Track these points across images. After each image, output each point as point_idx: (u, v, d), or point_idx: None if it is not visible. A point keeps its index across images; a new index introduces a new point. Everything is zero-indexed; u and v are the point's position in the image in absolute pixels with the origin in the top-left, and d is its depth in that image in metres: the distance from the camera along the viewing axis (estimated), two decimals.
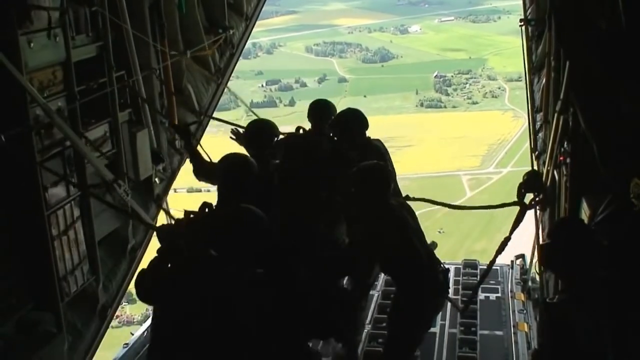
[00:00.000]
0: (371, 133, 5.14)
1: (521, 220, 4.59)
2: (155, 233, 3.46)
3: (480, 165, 50.41)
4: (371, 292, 6.16)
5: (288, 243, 3.68)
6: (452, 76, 67.38)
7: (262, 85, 66.49)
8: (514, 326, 5.56)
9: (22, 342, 3.69)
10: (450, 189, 43.98)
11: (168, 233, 3.45)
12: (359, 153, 4.77)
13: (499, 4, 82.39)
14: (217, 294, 3.14)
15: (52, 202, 3.84)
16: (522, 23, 6.14)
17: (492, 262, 4.70)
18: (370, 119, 5.18)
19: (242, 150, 4.71)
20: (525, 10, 6.32)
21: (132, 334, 5.71)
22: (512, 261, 6.71)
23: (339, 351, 4.95)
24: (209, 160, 4.72)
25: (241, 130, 4.95)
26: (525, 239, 5.51)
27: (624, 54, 3.49)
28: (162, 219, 5.85)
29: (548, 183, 5.14)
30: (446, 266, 4.39)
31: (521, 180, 4.47)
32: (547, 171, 5.17)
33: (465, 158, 50.40)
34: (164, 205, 5.80)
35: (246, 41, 6.86)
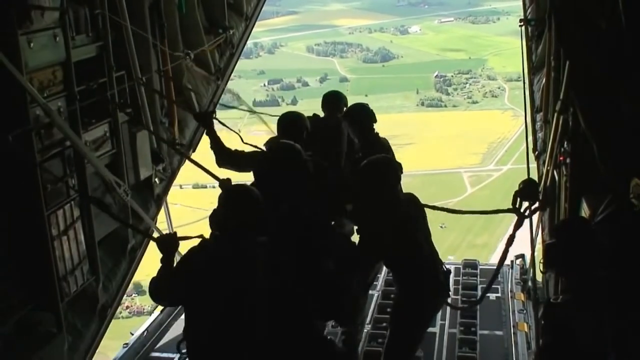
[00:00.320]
0: None
1: (520, 227, 4.60)
2: (156, 244, 3.55)
3: (481, 162, 50.95)
4: (371, 292, 6.17)
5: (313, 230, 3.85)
6: (452, 76, 67.98)
7: (264, 85, 67.22)
8: (513, 326, 5.57)
9: (22, 342, 3.68)
10: (451, 186, 44.70)
11: (167, 241, 3.54)
12: (368, 147, 4.85)
13: (498, 5, 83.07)
14: (236, 277, 3.36)
15: (52, 202, 3.84)
16: (522, 23, 6.14)
17: (499, 266, 4.70)
18: None
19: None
20: (525, 10, 6.32)
21: (132, 334, 5.72)
22: (512, 261, 6.72)
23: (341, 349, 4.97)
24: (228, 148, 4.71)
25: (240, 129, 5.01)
26: (525, 239, 5.50)
27: (624, 53, 3.50)
28: (161, 219, 5.89)
29: (548, 183, 5.15)
30: (447, 267, 4.39)
31: (517, 188, 4.47)
32: (547, 171, 5.18)
33: (466, 156, 50.84)
34: (164, 206, 5.81)
35: (246, 41, 6.86)
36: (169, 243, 3.53)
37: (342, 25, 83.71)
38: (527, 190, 4.34)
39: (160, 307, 6.08)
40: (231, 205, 3.55)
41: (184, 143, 5.69)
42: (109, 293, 4.49)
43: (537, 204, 4.69)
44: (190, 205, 35.53)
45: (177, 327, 5.94)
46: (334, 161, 5.00)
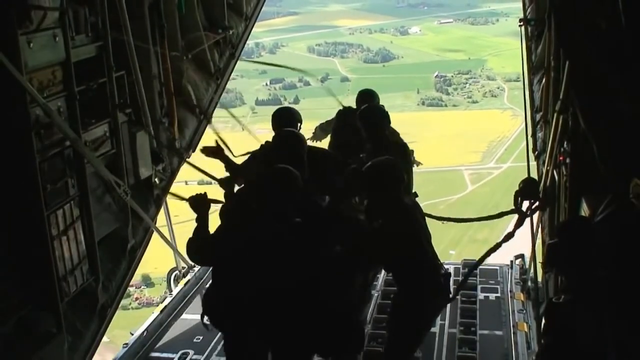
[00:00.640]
0: None
1: (521, 225, 4.61)
2: (188, 203, 3.93)
3: (481, 160, 51.77)
4: (371, 292, 6.17)
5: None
6: (452, 76, 68.76)
7: (267, 84, 68.11)
8: (513, 326, 5.57)
9: (21, 342, 3.68)
10: (452, 183, 45.63)
11: (199, 200, 3.89)
12: (379, 149, 4.83)
13: (497, 6, 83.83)
14: (270, 247, 3.67)
15: (52, 202, 3.84)
16: (522, 23, 6.14)
17: (487, 254, 4.70)
18: None
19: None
20: (524, 10, 6.32)
21: (132, 334, 5.72)
22: (511, 261, 6.71)
23: None
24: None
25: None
26: (525, 239, 5.51)
27: (624, 53, 3.49)
28: (161, 219, 5.89)
29: (548, 183, 5.15)
30: (448, 269, 4.40)
31: (517, 188, 4.48)
32: (547, 171, 5.18)
33: (467, 154, 51.63)
34: (164, 205, 5.81)
35: (246, 41, 6.85)
36: (200, 203, 3.85)
37: (343, 25, 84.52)
38: (527, 189, 4.35)
39: (159, 307, 6.10)
40: (271, 185, 3.81)
41: (183, 143, 5.69)
42: (108, 293, 4.48)
43: (538, 203, 4.71)
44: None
45: (177, 327, 5.94)
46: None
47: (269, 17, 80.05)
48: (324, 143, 5.98)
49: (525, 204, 4.79)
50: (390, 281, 6.02)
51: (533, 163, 5.92)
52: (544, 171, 5.30)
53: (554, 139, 4.84)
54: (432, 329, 5.35)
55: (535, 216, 5.44)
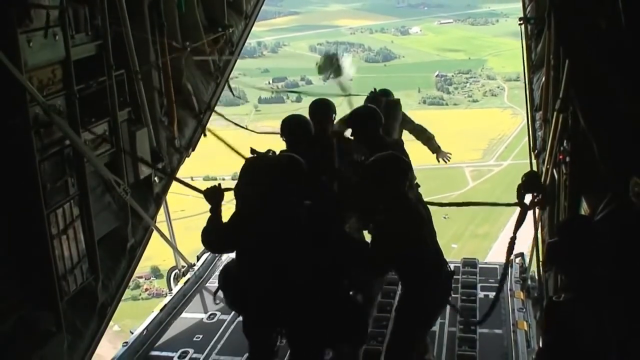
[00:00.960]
0: None
1: (523, 220, 4.61)
2: (204, 195, 4.13)
3: (482, 158, 52.58)
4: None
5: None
6: (453, 75, 69.42)
7: (269, 83, 68.90)
8: (513, 325, 5.56)
9: (21, 341, 3.68)
10: (453, 180, 46.33)
11: (213, 192, 4.08)
12: (376, 151, 4.75)
13: (496, 7, 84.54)
14: (283, 239, 3.88)
15: (52, 201, 3.84)
16: (522, 21, 6.14)
17: (507, 264, 4.76)
18: None
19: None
20: (524, 9, 6.31)
21: (132, 332, 5.73)
22: (511, 259, 6.69)
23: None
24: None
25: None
26: (525, 238, 5.51)
27: (624, 52, 3.49)
28: (161, 218, 5.90)
29: (547, 182, 5.14)
30: (451, 268, 4.41)
31: (520, 181, 4.48)
32: (547, 170, 5.17)
33: (467, 151, 51.87)
34: (164, 204, 5.81)
35: (245, 40, 6.85)
36: (215, 194, 4.06)
37: (343, 25, 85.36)
38: (530, 182, 4.35)
39: (159, 306, 6.10)
40: (279, 172, 4.02)
41: (183, 142, 5.69)
42: (108, 292, 4.49)
43: (540, 196, 4.70)
44: (201, 197, 37.02)
45: (177, 326, 5.95)
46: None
47: (270, 17, 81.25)
48: None
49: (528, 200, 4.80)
50: (390, 280, 6.02)
51: (534, 161, 5.93)
52: (544, 170, 5.30)
53: (554, 137, 4.83)
54: (432, 328, 5.35)
55: (536, 215, 5.44)
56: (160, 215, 5.92)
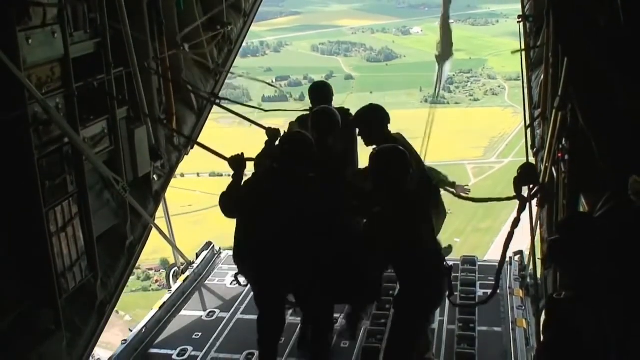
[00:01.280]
0: None
1: (522, 212, 4.61)
2: (227, 162, 4.46)
3: (483, 155, 53.47)
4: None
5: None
6: (454, 75, 69.85)
7: (272, 81, 69.41)
8: (512, 322, 5.56)
9: (20, 339, 3.69)
10: (455, 176, 45.96)
11: (237, 160, 4.42)
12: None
13: (496, 8, 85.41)
14: (291, 202, 4.27)
15: (51, 198, 3.84)
16: (521, 19, 6.13)
17: (503, 256, 4.73)
18: None
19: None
20: (523, 7, 6.30)
21: (131, 330, 5.73)
22: (510, 257, 6.69)
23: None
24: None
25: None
26: (524, 236, 5.51)
27: (623, 50, 3.48)
28: (160, 217, 5.91)
29: (546, 180, 5.14)
30: (449, 264, 4.41)
31: (516, 174, 4.47)
32: (546, 168, 5.17)
33: (469, 149, 53.22)
34: (162, 202, 5.82)
35: (244, 38, 6.86)
36: (238, 162, 4.42)
37: (345, 25, 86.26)
38: (525, 174, 4.35)
39: (157, 305, 6.11)
40: (290, 147, 4.45)
41: (182, 140, 5.69)
42: (107, 289, 4.50)
43: (537, 187, 4.69)
44: (207, 192, 39.43)
45: (176, 324, 5.95)
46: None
47: (272, 17, 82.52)
48: None
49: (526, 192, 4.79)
50: (389, 278, 6.02)
51: (532, 159, 5.92)
52: (543, 168, 5.29)
53: (553, 135, 4.83)
54: (431, 326, 5.35)
55: (534, 213, 5.43)
56: (160, 213, 5.95)
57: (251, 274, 4.64)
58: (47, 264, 3.79)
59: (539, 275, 5.65)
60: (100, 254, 4.37)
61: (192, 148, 5.85)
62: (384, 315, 5.58)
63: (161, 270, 32.53)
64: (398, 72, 71.03)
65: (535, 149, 6.00)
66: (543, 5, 5.56)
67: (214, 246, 7.38)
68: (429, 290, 4.29)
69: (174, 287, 6.49)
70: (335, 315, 5.26)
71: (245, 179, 4.52)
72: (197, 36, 5.88)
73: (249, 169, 4.67)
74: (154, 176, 5.24)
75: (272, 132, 5.02)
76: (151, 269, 33.29)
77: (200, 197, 40.57)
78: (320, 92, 5.51)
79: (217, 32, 6.20)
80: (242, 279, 4.82)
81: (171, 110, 5.44)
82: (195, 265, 6.88)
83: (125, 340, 5.51)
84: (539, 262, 5.46)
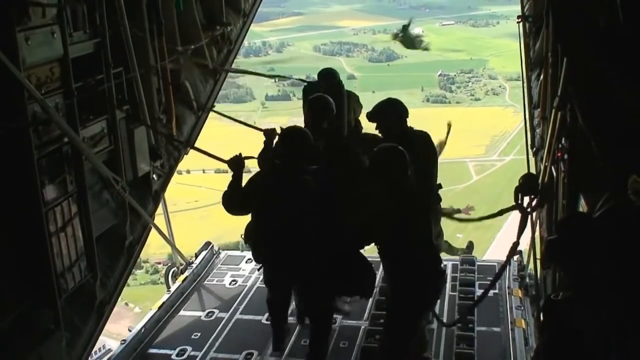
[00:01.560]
0: None
1: (525, 225, 4.63)
2: (227, 164, 4.67)
3: (485, 153, 54.39)
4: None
5: None
6: (455, 75, 70.97)
7: (275, 81, 70.37)
8: (511, 323, 5.56)
9: (20, 339, 3.69)
10: (458, 173, 47.93)
11: (236, 161, 4.60)
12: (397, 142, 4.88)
13: (497, 9, 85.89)
14: (292, 197, 4.45)
15: (50, 198, 3.85)
16: (520, 19, 6.13)
17: (504, 265, 4.80)
18: None
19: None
20: (522, 7, 6.30)
21: (130, 330, 5.74)
22: (507, 256, 6.69)
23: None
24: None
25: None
26: (523, 236, 5.50)
27: (622, 49, 3.49)
28: (159, 216, 5.91)
29: (546, 179, 5.14)
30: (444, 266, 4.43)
31: (517, 183, 4.48)
32: (545, 167, 5.17)
33: (471, 147, 53.64)
34: (162, 202, 5.82)
35: (244, 38, 6.86)
36: (237, 162, 4.60)
37: (346, 26, 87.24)
38: (527, 184, 4.35)
39: (157, 305, 6.11)
40: (288, 141, 4.61)
41: (181, 140, 5.69)
42: (106, 289, 4.50)
43: (538, 198, 4.70)
44: (213, 188, 40.28)
45: (175, 324, 5.96)
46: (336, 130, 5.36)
47: (274, 18, 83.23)
48: None
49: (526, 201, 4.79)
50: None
51: (532, 159, 5.92)
52: (542, 167, 5.29)
53: (552, 135, 4.83)
54: (430, 326, 5.35)
55: (534, 213, 5.43)
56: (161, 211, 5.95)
57: (260, 262, 4.94)
58: (46, 264, 3.79)
59: (538, 276, 5.65)
60: (99, 254, 4.37)
61: (191, 148, 5.86)
62: (383, 316, 5.58)
63: (169, 264, 34.06)
64: (399, 72, 71.61)
65: (534, 149, 6.01)
66: (542, 6, 5.56)
67: (213, 246, 7.38)
68: (428, 290, 4.29)
69: (173, 287, 6.49)
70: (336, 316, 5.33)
71: (250, 175, 4.71)
72: (197, 36, 5.88)
73: (253, 167, 4.94)
74: (154, 176, 5.24)
75: (268, 132, 5.18)
76: (159, 263, 33.62)
77: (206, 192, 41.46)
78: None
79: (217, 32, 6.20)
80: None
81: (170, 111, 5.44)
82: (194, 266, 6.88)
83: (124, 340, 5.52)
84: (538, 262, 5.46)
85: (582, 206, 4.34)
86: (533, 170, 5.44)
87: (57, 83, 3.94)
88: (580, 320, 3.26)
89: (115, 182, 4.45)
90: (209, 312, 6.08)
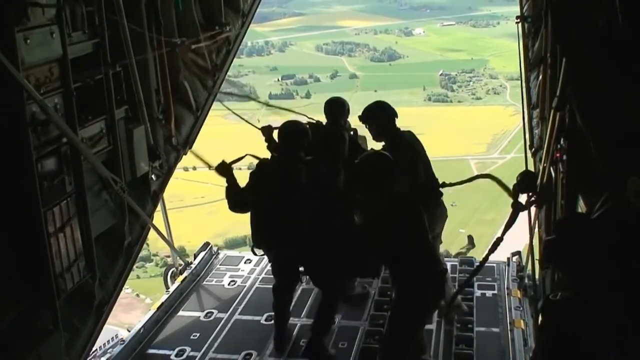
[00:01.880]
0: None
1: (514, 220, 4.63)
2: (215, 171, 5.11)
3: (486, 151, 55.38)
4: (367, 289, 6.18)
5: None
6: (457, 74, 71.86)
7: (278, 80, 71.96)
8: (510, 323, 5.57)
9: (18, 339, 3.69)
10: (460, 171, 50.29)
11: (221, 168, 5.05)
12: (390, 145, 5.21)
13: (497, 9, 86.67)
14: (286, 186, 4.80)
15: (48, 199, 3.84)
16: (519, 20, 6.13)
17: (484, 260, 4.77)
18: None
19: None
20: (521, 7, 6.30)
21: (129, 330, 5.74)
22: (508, 258, 6.70)
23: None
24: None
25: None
26: (522, 236, 5.51)
27: (621, 50, 3.48)
28: (158, 216, 5.92)
29: (544, 180, 5.14)
30: (445, 267, 4.44)
31: (515, 181, 4.49)
32: (544, 168, 5.17)
33: (472, 145, 55.18)
34: (161, 202, 5.82)
35: (243, 38, 6.85)
36: (223, 168, 5.04)
37: (348, 26, 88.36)
38: (525, 182, 4.35)
39: (155, 305, 6.12)
40: (284, 133, 4.97)
41: (180, 140, 5.70)
42: (105, 290, 4.49)
43: (536, 196, 4.70)
44: (219, 184, 39.81)
45: (174, 324, 5.96)
46: (334, 165, 5.31)
47: (276, 18, 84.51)
48: None
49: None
50: (387, 278, 6.03)
51: (531, 160, 5.92)
52: (541, 168, 5.29)
53: (551, 135, 4.83)
54: (429, 326, 5.35)
55: (533, 213, 5.43)
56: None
57: (266, 251, 5.27)
58: (45, 264, 3.79)
59: (536, 276, 5.65)
60: (98, 254, 4.37)
61: (190, 148, 5.87)
62: (382, 316, 5.59)
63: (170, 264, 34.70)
64: (401, 72, 72.34)
65: (533, 149, 6.01)
66: (541, 6, 5.56)
67: (211, 247, 7.39)
68: (430, 291, 4.30)
69: (172, 287, 6.49)
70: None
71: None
72: (196, 37, 5.87)
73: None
74: (152, 176, 5.24)
75: (265, 129, 5.56)
76: (169, 256, 34.21)
77: (212, 189, 42.66)
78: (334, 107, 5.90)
79: (215, 33, 6.19)
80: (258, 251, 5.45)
81: (169, 111, 5.44)
82: (193, 266, 6.88)
83: (123, 340, 5.52)
84: (537, 263, 5.46)
85: (581, 207, 4.34)
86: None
87: (56, 83, 3.93)
88: (579, 320, 3.26)
89: (114, 182, 4.45)
90: (207, 313, 6.08)
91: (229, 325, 5.85)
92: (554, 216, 5.01)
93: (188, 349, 5.48)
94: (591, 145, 3.71)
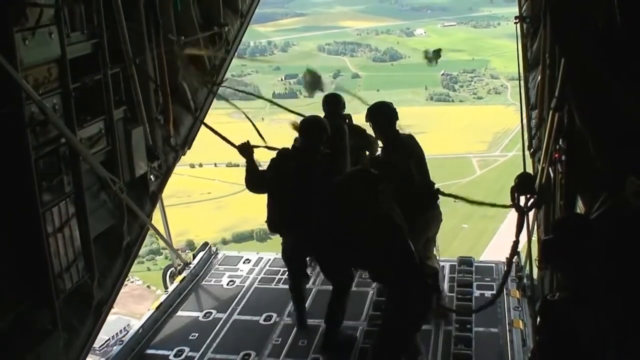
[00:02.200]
0: None
1: (522, 224, 4.63)
2: (237, 149, 5.46)
3: (488, 149, 56.32)
4: (366, 289, 6.18)
5: None
6: (458, 74, 72.74)
7: (282, 79, 72.26)
8: (509, 323, 5.57)
9: (17, 340, 3.69)
10: (462, 168, 50.40)
11: (244, 148, 5.41)
12: (389, 146, 5.38)
13: (497, 10, 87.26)
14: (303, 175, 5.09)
15: (47, 199, 3.84)
16: (517, 20, 6.13)
17: (509, 265, 4.83)
18: None
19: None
20: (520, 8, 6.30)
21: (128, 331, 5.74)
22: (507, 258, 6.69)
23: None
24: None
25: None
26: (521, 236, 5.50)
27: (620, 50, 3.48)
28: (158, 216, 5.93)
29: (543, 180, 5.14)
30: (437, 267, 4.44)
31: (513, 183, 4.49)
32: (543, 168, 5.17)
33: (474, 143, 56.23)
34: (159, 202, 5.82)
35: (241, 38, 6.86)
36: (246, 149, 5.41)
37: (349, 26, 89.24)
38: (522, 183, 4.35)
39: (154, 305, 6.12)
40: (304, 127, 5.29)
41: (178, 140, 5.70)
42: (104, 290, 4.49)
43: (534, 198, 4.70)
44: (226, 181, 42.74)
45: (173, 324, 5.96)
46: (336, 161, 5.50)
47: (278, 18, 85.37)
48: None
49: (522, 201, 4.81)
50: None
51: (529, 160, 5.92)
52: (540, 168, 5.29)
53: (550, 136, 4.83)
54: (428, 327, 5.35)
55: (531, 213, 5.43)
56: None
57: (282, 236, 5.52)
58: (44, 265, 3.79)
59: (534, 276, 5.65)
60: (97, 255, 4.37)
61: (189, 148, 5.87)
62: (381, 317, 5.59)
63: (187, 251, 34.56)
64: (403, 72, 73.00)
65: (532, 150, 6.00)
66: (540, 6, 5.56)
67: (210, 247, 7.39)
68: (415, 302, 4.31)
69: (171, 287, 6.49)
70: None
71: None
72: (194, 37, 5.87)
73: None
74: (151, 176, 5.24)
75: (244, 149, 5.58)
76: (177, 250, 34.47)
77: (219, 185, 44.17)
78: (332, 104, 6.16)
79: (214, 33, 6.20)
80: None
81: (168, 111, 5.44)
82: (192, 266, 6.89)
83: (122, 340, 5.52)
84: (535, 263, 5.46)
85: (580, 207, 4.34)
86: (530, 172, 5.45)
87: (55, 84, 3.94)
88: (577, 320, 3.26)
89: (112, 182, 4.45)
90: (206, 313, 6.08)
91: (228, 325, 5.85)
92: (552, 217, 5.01)
93: (187, 349, 5.49)
94: (590, 145, 3.71)
